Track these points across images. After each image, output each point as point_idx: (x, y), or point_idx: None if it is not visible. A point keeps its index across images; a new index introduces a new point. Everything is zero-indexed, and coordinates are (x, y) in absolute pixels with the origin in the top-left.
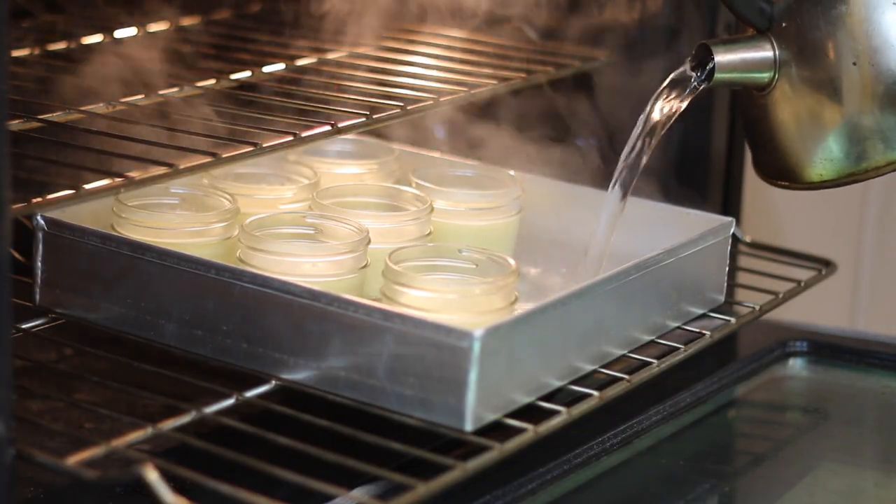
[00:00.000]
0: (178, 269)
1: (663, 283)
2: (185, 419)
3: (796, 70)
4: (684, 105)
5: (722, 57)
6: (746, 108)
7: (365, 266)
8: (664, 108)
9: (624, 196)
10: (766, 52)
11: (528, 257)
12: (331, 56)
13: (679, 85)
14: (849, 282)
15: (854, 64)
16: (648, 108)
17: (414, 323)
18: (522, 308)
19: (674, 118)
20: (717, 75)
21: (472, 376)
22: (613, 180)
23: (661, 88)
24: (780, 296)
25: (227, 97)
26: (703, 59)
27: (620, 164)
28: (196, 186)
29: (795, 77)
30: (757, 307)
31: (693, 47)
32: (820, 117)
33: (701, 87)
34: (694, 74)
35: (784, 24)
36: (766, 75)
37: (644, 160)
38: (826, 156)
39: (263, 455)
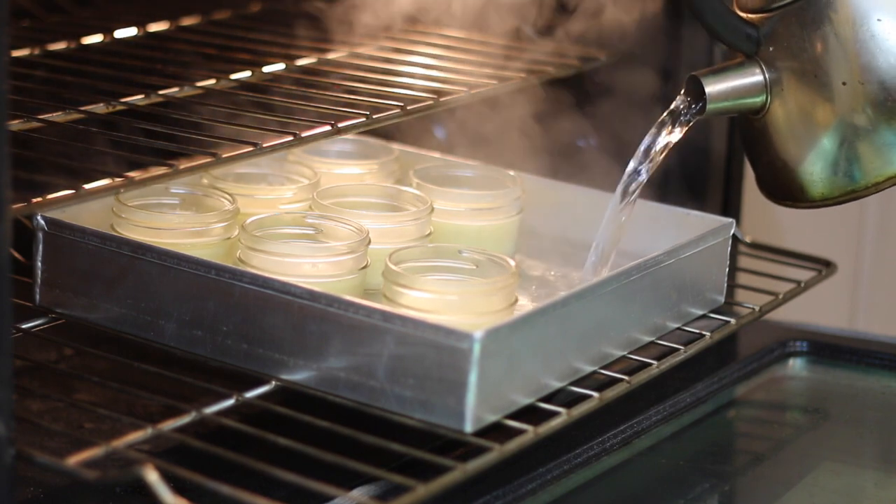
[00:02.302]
0: (178, 270)
1: (663, 284)
2: (184, 420)
3: (788, 92)
4: (679, 137)
5: (713, 88)
6: (744, 130)
7: (365, 267)
8: (660, 140)
9: (628, 204)
10: (756, 77)
11: (529, 258)
12: (331, 56)
13: (674, 117)
14: (849, 282)
15: (844, 84)
16: (644, 143)
17: (414, 324)
18: (522, 309)
19: (669, 149)
20: (710, 106)
21: (472, 377)
22: (617, 193)
23: (658, 122)
24: (781, 296)
25: (227, 97)
26: (694, 90)
27: (622, 185)
28: (196, 186)
29: (788, 99)
30: (757, 308)
31: (693, 47)
32: (816, 137)
33: (694, 120)
34: (687, 107)
35: (771, 49)
36: (758, 99)
37: (640, 187)
38: (825, 175)
39: (263, 455)
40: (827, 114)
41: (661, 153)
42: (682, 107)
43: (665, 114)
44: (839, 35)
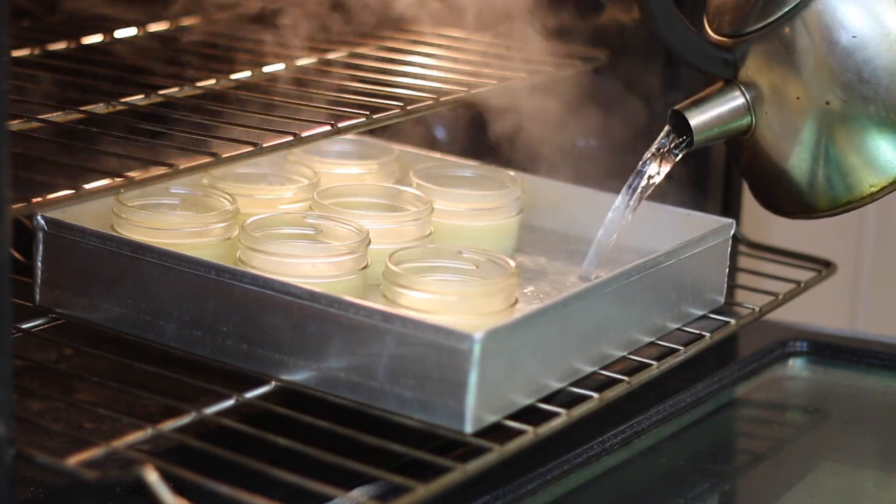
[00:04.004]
0: (178, 270)
1: (664, 284)
2: (184, 420)
3: (772, 115)
4: (667, 170)
5: (697, 120)
6: (735, 151)
7: (365, 267)
8: (648, 175)
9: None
10: (738, 101)
11: (529, 258)
12: (331, 56)
13: (661, 152)
14: (849, 282)
15: (828, 104)
16: (632, 178)
17: (414, 325)
18: (522, 309)
19: (658, 180)
20: (697, 138)
21: (473, 378)
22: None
23: (645, 158)
24: (780, 297)
25: (228, 97)
26: (679, 125)
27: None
28: (196, 186)
29: (773, 121)
30: (757, 308)
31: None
32: (805, 155)
33: (682, 154)
34: (674, 143)
35: (749, 72)
36: (744, 121)
37: (631, 214)
38: (819, 188)
39: (263, 456)
40: (814, 133)
41: (647, 188)
42: (667, 144)
43: (649, 152)
44: (816, 56)
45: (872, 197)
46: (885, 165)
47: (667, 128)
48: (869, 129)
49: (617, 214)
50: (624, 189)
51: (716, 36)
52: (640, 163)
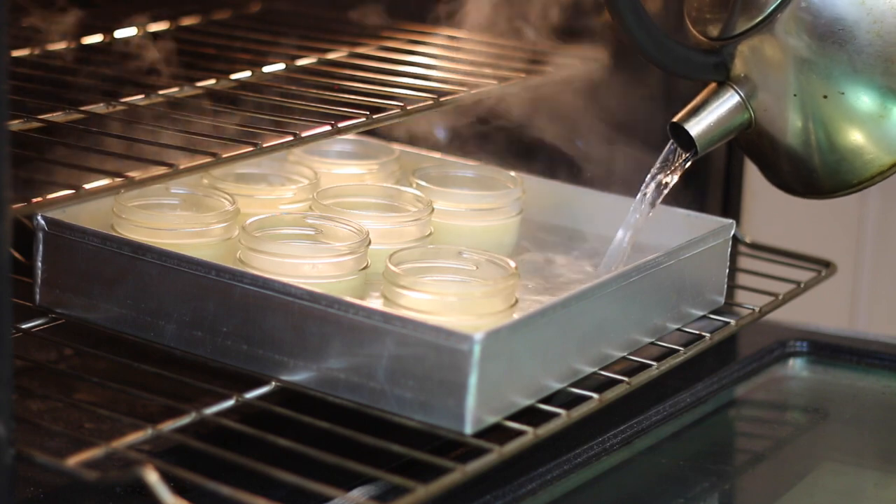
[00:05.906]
0: (178, 270)
1: (664, 285)
2: (184, 420)
3: (771, 111)
4: (677, 178)
5: (697, 129)
6: (740, 143)
7: (365, 267)
8: (657, 184)
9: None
10: (734, 100)
11: (529, 258)
12: (331, 56)
13: (668, 163)
14: (849, 282)
15: (825, 97)
16: (642, 189)
17: (414, 326)
18: (522, 310)
19: (667, 189)
20: (701, 145)
21: (473, 379)
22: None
23: (652, 173)
24: (780, 297)
25: (227, 97)
26: (680, 135)
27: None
28: (196, 187)
29: (772, 114)
30: (757, 308)
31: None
32: (809, 143)
33: (689, 163)
34: (680, 155)
35: (741, 70)
36: (743, 118)
37: (643, 222)
38: (828, 173)
39: (263, 456)
40: (816, 125)
41: (657, 197)
42: (672, 156)
43: (655, 167)
44: (808, 52)
45: (883, 175)
46: (892, 146)
47: (670, 143)
48: (871, 115)
49: (630, 226)
50: (636, 200)
51: (702, 39)
52: (649, 176)
